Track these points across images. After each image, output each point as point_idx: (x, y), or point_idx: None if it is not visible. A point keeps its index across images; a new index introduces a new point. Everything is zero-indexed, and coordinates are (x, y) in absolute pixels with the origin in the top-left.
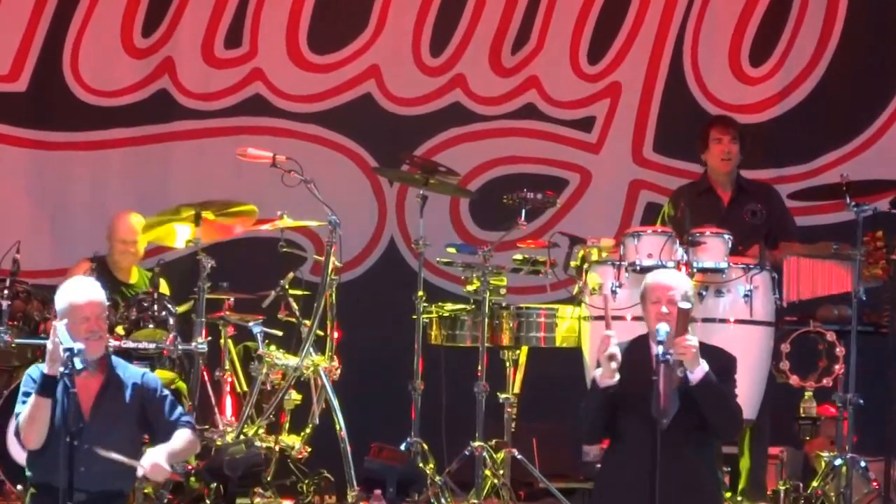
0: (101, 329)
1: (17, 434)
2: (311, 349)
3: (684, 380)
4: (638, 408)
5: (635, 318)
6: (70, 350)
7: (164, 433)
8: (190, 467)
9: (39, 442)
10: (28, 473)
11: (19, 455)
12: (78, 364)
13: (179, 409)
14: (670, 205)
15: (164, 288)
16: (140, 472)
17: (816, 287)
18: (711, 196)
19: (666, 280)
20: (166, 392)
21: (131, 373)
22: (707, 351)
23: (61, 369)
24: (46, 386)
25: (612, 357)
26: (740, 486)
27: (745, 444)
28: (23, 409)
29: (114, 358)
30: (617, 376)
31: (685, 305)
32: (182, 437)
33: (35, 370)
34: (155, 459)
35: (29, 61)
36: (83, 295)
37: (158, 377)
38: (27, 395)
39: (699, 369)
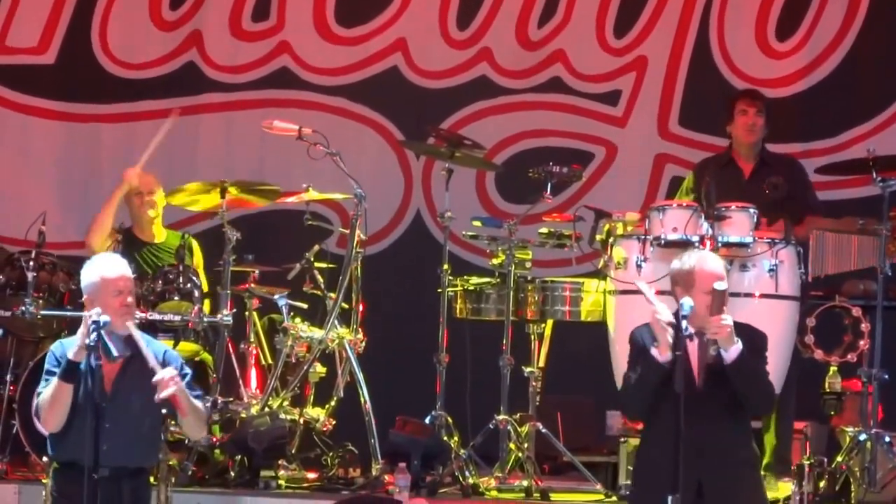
0: (133, 305)
1: (36, 415)
2: (336, 322)
3: (719, 358)
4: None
5: (660, 293)
6: (97, 322)
7: None
8: (214, 439)
9: (58, 426)
10: (50, 451)
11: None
12: (114, 352)
13: (197, 391)
14: (692, 178)
15: (196, 250)
16: None
17: (842, 262)
18: (733, 168)
19: (716, 268)
20: (187, 370)
21: (155, 347)
22: (738, 328)
23: (87, 341)
24: (70, 371)
25: (669, 325)
26: (765, 461)
27: (770, 419)
28: (44, 391)
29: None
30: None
31: (721, 286)
32: (198, 401)
33: (59, 347)
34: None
35: (57, 34)
36: (113, 269)
37: (179, 355)
38: (50, 373)
39: (734, 348)
